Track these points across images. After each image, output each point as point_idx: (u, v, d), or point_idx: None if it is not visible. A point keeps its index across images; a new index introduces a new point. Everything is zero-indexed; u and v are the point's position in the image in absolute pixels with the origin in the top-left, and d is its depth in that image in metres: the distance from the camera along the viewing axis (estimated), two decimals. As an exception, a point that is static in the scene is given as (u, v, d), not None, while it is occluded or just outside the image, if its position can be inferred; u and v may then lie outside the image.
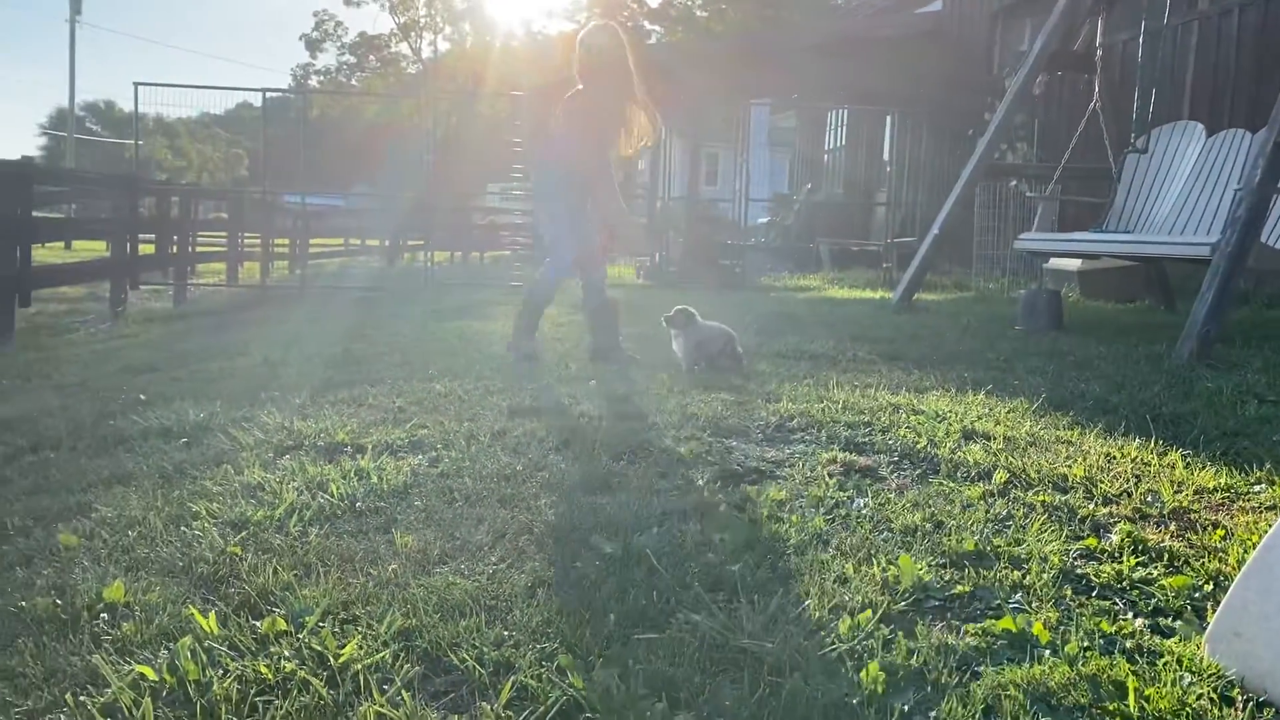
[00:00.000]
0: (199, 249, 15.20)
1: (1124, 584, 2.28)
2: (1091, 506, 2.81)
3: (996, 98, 11.58)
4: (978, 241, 11.75)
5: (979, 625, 2.05)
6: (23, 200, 9.03)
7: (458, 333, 7.46)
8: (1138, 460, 3.32)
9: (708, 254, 14.81)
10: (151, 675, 1.78)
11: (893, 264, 13.54)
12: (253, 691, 1.74)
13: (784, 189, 24.64)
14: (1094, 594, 2.23)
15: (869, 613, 2.06)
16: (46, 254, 17.75)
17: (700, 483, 3.08)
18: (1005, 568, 2.35)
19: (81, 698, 1.73)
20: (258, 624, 2.02)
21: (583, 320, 6.12)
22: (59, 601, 2.16)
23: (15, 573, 2.40)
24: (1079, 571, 2.35)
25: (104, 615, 2.10)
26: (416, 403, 4.33)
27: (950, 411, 4.04)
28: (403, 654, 1.89)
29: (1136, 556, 2.42)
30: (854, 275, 14.20)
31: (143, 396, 4.68)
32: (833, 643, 1.94)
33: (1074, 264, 9.85)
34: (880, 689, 1.77)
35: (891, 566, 2.31)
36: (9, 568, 2.43)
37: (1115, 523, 2.68)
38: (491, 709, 1.71)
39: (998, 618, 2.07)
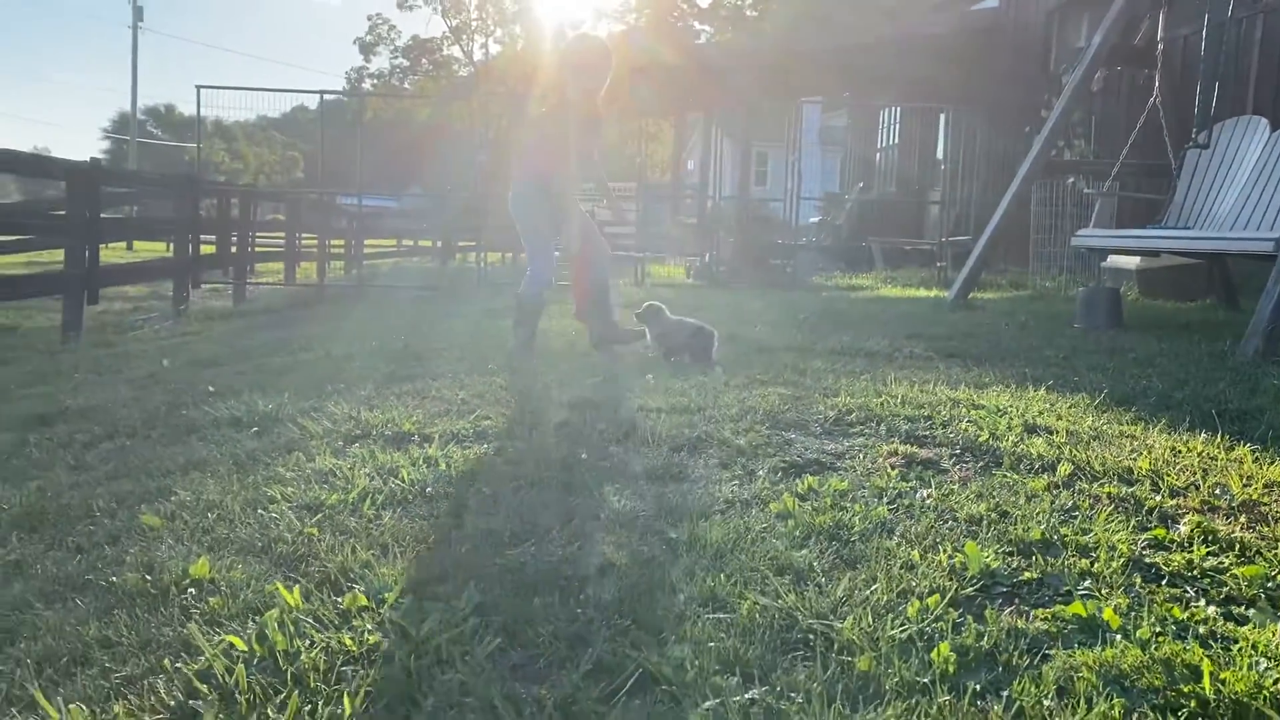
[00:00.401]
0: (258, 249, 15.49)
1: (1194, 572, 2.27)
2: (1158, 498, 2.79)
3: (1053, 94, 11.44)
4: (1034, 239, 11.61)
5: (1048, 610, 2.06)
6: (91, 202, 9.30)
7: (513, 330, 7.53)
8: (1204, 454, 3.28)
9: (758, 253, 14.80)
10: (241, 645, 1.85)
11: (947, 263, 13.43)
12: (339, 661, 1.80)
13: (835, 188, 24.53)
14: (1164, 582, 2.23)
15: (937, 597, 2.08)
16: (109, 254, 18.21)
17: (761, 473, 3.10)
18: (1073, 556, 2.35)
19: (177, 665, 1.81)
20: (339, 600, 2.08)
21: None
22: (148, 577, 2.24)
23: (104, 550, 2.49)
24: (1148, 560, 2.34)
25: (191, 590, 2.17)
26: (478, 395, 4.40)
27: (1011, 406, 4.02)
28: (481, 628, 1.94)
29: (1206, 546, 2.40)
30: (907, 274, 14.10)
31: (211, 388, 4.80)
32: (902, 625, 1.96)
33: (1132, 261, 9.70)
34: (952, 669, 1.79)
35: (958, 554, 2.32)
36: (98, 545, 2.53)
37: (1183, 514, 2.67)
38: (570, 680, 1.75)
39: (1067, 603, 2.07)
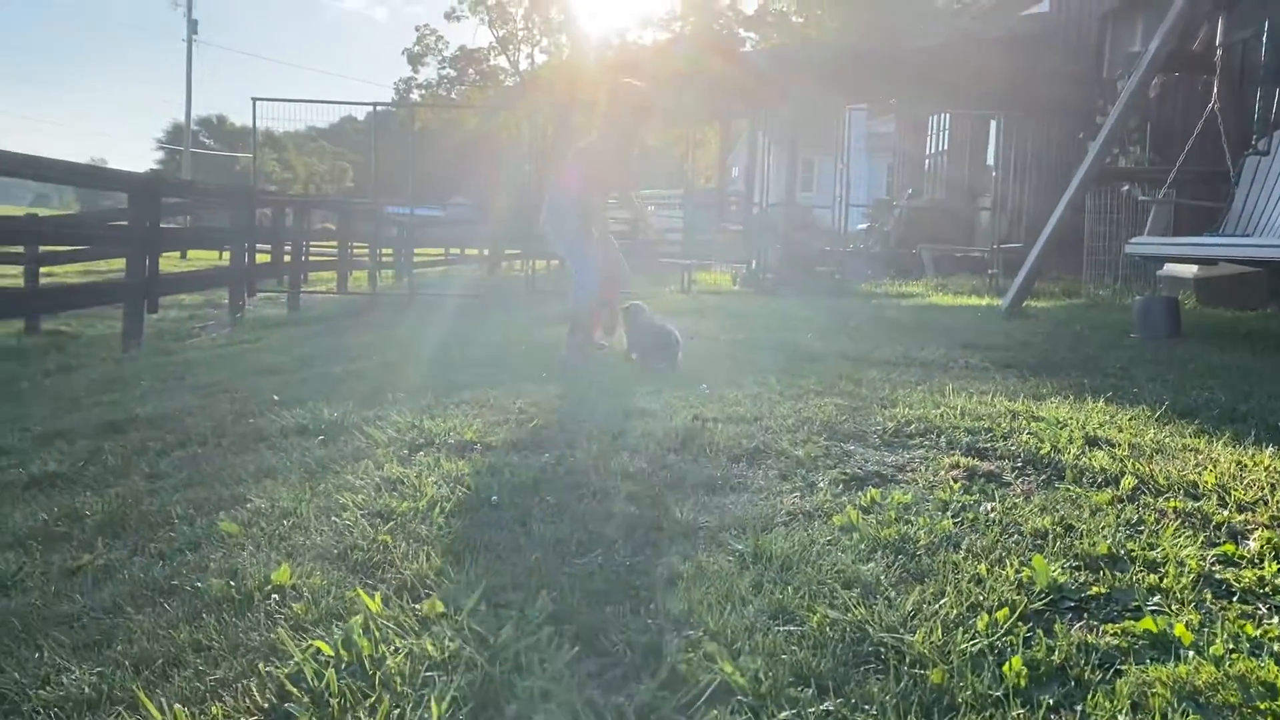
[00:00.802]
0: (311, 258, 15.74)
1: (1266, 589, 2.27)
2: (1226, 513, 2.78)
3: (1108, 99, 11.33)
4: (1088, 246, 11.50)
5: (1118, 625, 2.07)
6: (152, 212, 9.52)
7: (563, 338, 7.61)
8: (1271, 469, 3.25)
9: (805, 260, 14.79)
10: (328, 650, 1.92)
11: (999, 270, 13.31)
12: (423, 667, 1.86)
13: (882, 194, 24.40)
14: (1235, 598, 2.23)
15: (1006, 611, 2.09)
16: (165, 263, 18.61)
17: (822, 485, 3.13)
18: (1141, 571, 2.35)
19: (268, 668, 1.88)
20: (418, 606, 2.14)
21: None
22: (231, 583, 2.32)
23: (186, 556, 2.58)
24: (1217, 576, 2.34)
25: (274, 596, 2.25)
26: (535, 404, 4.47)
27: (1070, 418, 4.01)
28: (556, 636, 1.99)
29: (1278, 562, 2.39)
30: (958, 282, 14.01)
31: (275, 397, 4.91)
32: (972, 638, 1.98)
33: (1190, 270, 9.58)
34: (1024, 683, 1.81)
35: (1025, 568, 2.34)
36: (180, 552, 2.62)
37: (1252, 529, 2.65)
38: (647, 689, 1.80)
39: (1137, 619, 2.08)
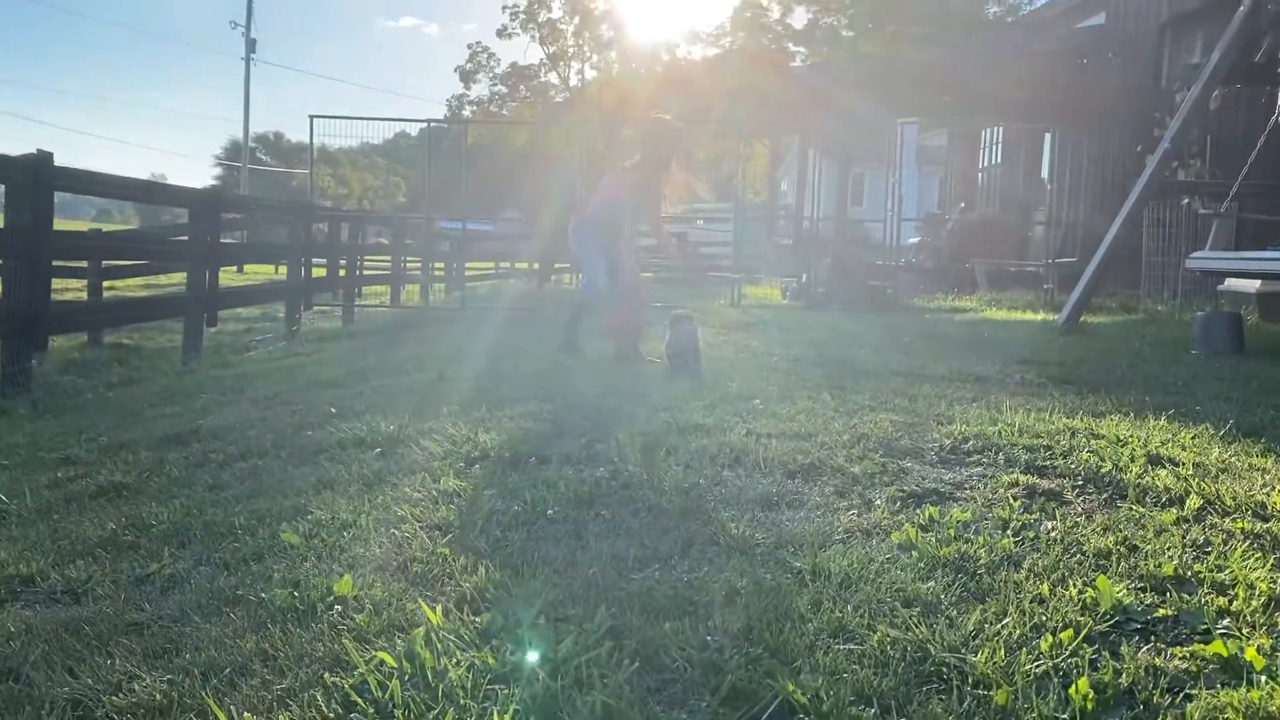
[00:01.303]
0: (365, 272, 15.95)
1: (1341, 614, 2.21)
2: (1296, 535, 2.72)
3: (1166, 112, 11.14)
4: (1146, 261, 11.30)
5: (1186, 649, 2.03)
6: (212, 227, 9.73)
7: (612, 351, 7.64)
8: (1343, 489, 3.17)
9: (856, 274, 14.70)
10: (392, 661, 1.94)
11: (1053, 285, 13.14)
12: (485, 680, 1.88)
13: (933, 208, 24.19)
14: (1308, 623, 2.17)
15: (1070, 632, 2.06)
16: (222, 277, 18.99)
17: (879, 502, 3.10)
18: (1209, 593, 2.30)
19: (333, 679, 1.91)
20: (477, 619, 2.16)
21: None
22: (295, 593, 2.36)
23: (250, 567, 2.62)
24: (1290, 599, 2.28)
25: (337, 607, 2.28)
26: (588, 418, 4.49)
27: (1131, 436, 3.94)
28: (616, 651, 2.00)
29: (1352, 586, 2.33)
30: (1012, 296, 13.84)
31: (333, 409, 4.98)
32: (1036, 659, 1.96)
33: (1253, 285, 9.38)
34: (1091, 706, 1.78)
35: (1088, 589, 2.30)
36: (244, 563, 2.66)
37: (1325, 552, 2.59)
38: (709, 705, 1.80)
39: (1206, 642, 2.04)
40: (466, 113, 55.26)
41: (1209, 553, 2.58)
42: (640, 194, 6.72)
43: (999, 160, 19.03)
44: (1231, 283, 9.58)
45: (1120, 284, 11.97)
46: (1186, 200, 10.44)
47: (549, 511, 3.01)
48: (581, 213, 6.96)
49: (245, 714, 1.80)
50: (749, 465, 3.57)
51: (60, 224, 7.28)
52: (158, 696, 1.89)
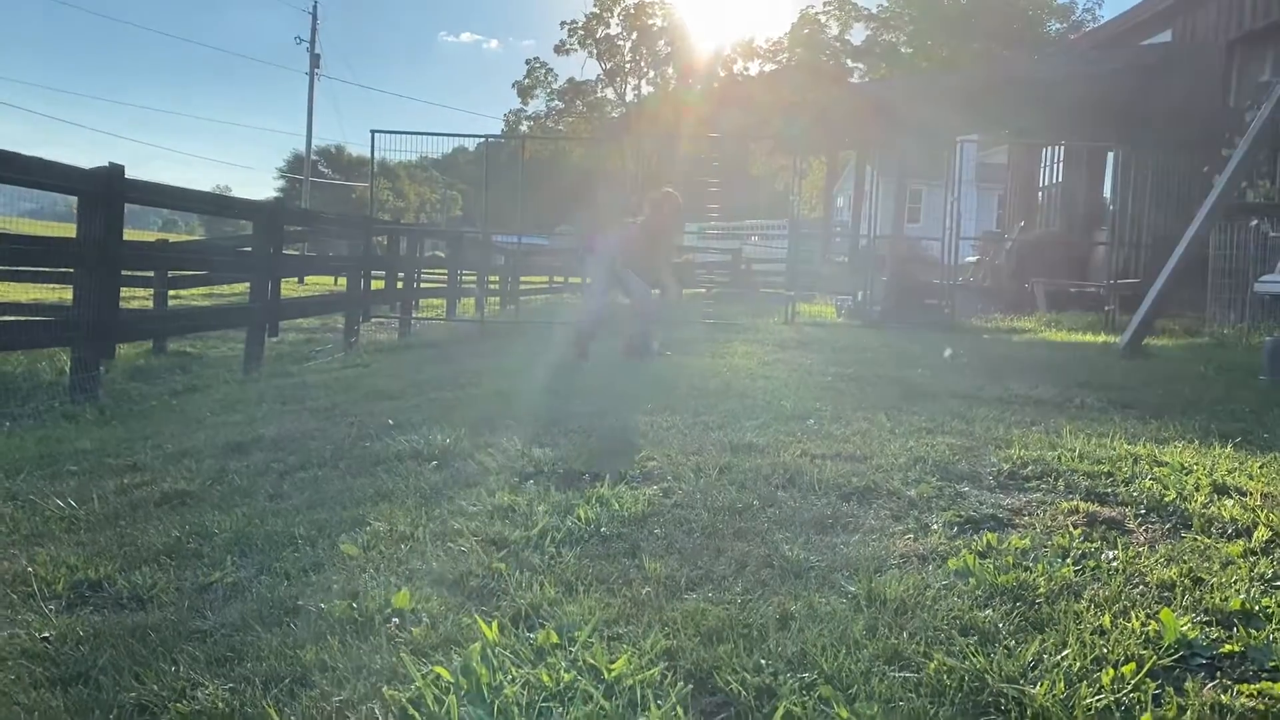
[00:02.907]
0: (422, 284, 16.14)
1: None
2: (1370, 571, 2.64)
3: (1235, 131, 10.91)
4: (1213, 284, 11.06)
5: (1254, 686, 1.98)
6: (275, 239, 9.93)
7: (665, 367, 7.66)
8: None
9: (913, 293, 14.55)
10: (447, 676, 1.96)
11: (1115, 306, 12.90)
12: (539, 697, 1.89)
13: (991, 226, 23.93)
14: (1382, 663, 2.11)
15: (1132, 665, 2.03)
16: (284, 288, 19.33)
17: (935, 527, 3.07)
18: (1278, 629, 2.25)
19: (390, 691, 1.93)
20: (532, 635, 2.18)
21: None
22: (353, 605, 2.39)
23: (310, 577, 2.67)
24: (1362, 638, 2.22)
25: (394, 620, 2.31)
26: (641, 435, 4.50)
27: (1196, 464, 3.86)
28: (670, 672, 2.00)
29: None
30: (1072, 318, 13.62)
31: (390, 421, 5.05)
32: (1098, 693, 1.93)
33: (1325, 309, 9.13)
34: (1154, 743, 1.75)
35: (1151, 621, 2.26)
36: (304, 573, 2.71)
37: (1400, 589, 2.51)
38: (762, 731, 1.79)
39: (1274, 680, 1.99)
40: (524, 128, 55.76)
41: (1278, 587, 2.52)
42: (641, 247, 8.33)
43: (1060, 179, 18.77)
44: (1302, 307, 9.34)
45: (1185, 307, 11.72)
46: (1255, 221, 10.20)
47: (602, 529, 3.03)
48: (589, 244, 8.60)
49: (305, 724, 1.84)
50: (803, 486, 3.55)
51: (128, 234, 7.47)
52: (220, 705, 1.93)
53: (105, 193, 6.90)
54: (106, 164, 7.02)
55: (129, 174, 7.16)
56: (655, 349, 8.35)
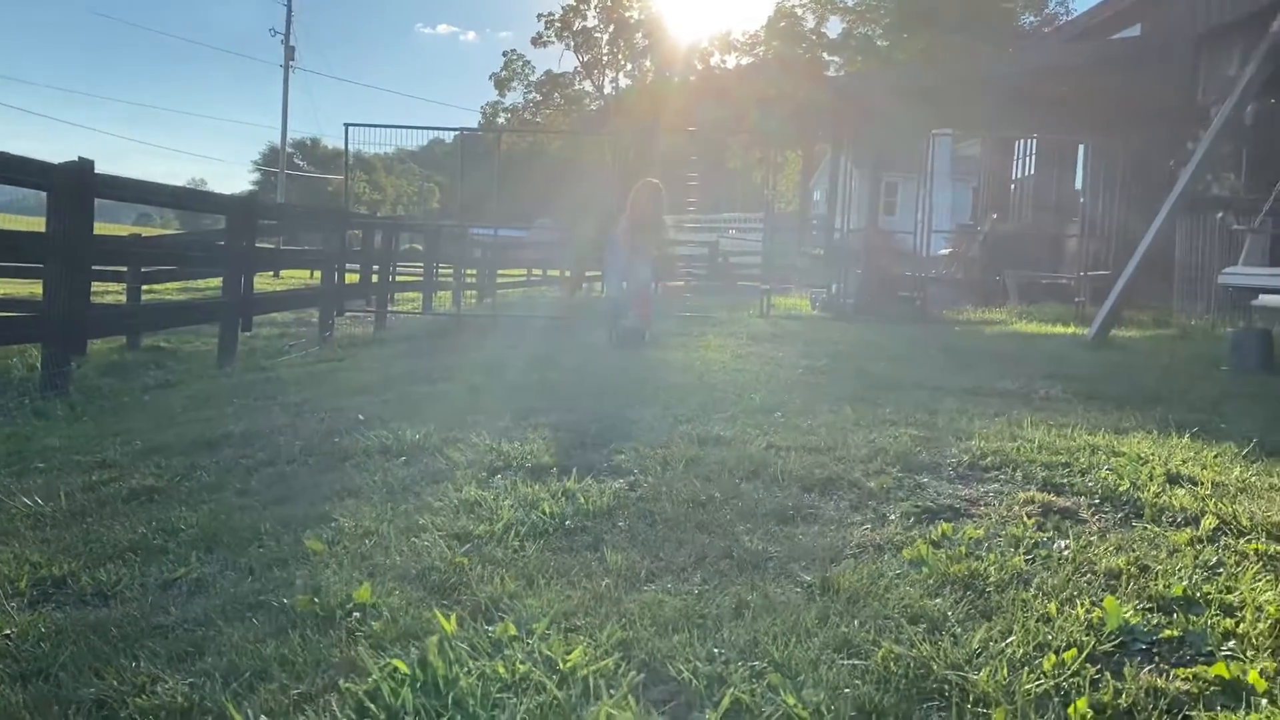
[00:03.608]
0: (397, 278, 16.09)
1: (1349, 638, 2.21)
2: (1311, 557, 2.71)
3: (1200, 126, 11.04)
4: (1179, 275, 11.19)
5: (1189, 670, 2.04)
6: (248, 233, 9.88)
7: (640, 361, 7.69)
8: (1363, 511, 3.15)
9: (886, 286, 14.66)
10: (404, 668, 2.00)
11: (1085, 298, 13.04)
12: (494, 688, 1.93)
13: (965, 219, 24.06)
14: (1315, 646, 2.17)
15: (1074, 652, 2.08)
16: (258, 282, 19.18)
17: (893, 517, 3.13)
18: (1216, 615, 2.31)
19: (348, 685, 1.96)
20: (491, 628, 2.21)
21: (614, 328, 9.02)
22: (316, 600, 2.42)
23: (274, 572, 2.69)
24: (1298, 623, 2.29)
25: (355, 614, 2.34)
26: (610, 428, 4.54)
27: (1153, 454, 3.94)
28: (623, 663, 2.04)
29: (1363, 610, 2.33)
30: (1043, 309, 13.74)
31: (361, 416, 5.06)
32: (1038, 679, 1.98)
33: (1288, 301, 9.26)
34: (1089, 726, 1.80)
35: (1096, 608, 2.32)
36: (268, 568, 2.73)
37: (1338, 575, 2.58)
38: (710, 719, 1.83)
39: (1209, 664, 2.05)
40: (501, 120, 55.64)
41: (1220, 574, 2.59)
42: (634, 237, 9.17)
43: (1032, 171, 18.92)
44: (1266, 298, 9.46)
45: (1153, 298, 11.86)
46: (1220, 215, 10.33)
47: (567, 522, 3.06)
48: (614, 231, 9.51)
49: (262, 717, 1.86)
50: (767, 479, 3.60)
51: (101, 228, 7.44)
52: (179, 699, 1.95)
53: (75, 187, 6.86)
54: (76, 159, 6.97)
55: (103, 168, 7.12)
56: (647, 339, 8.83)
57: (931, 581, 2.52)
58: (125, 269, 12.26)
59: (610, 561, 2.68)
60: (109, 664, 2.13)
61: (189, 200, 10.59)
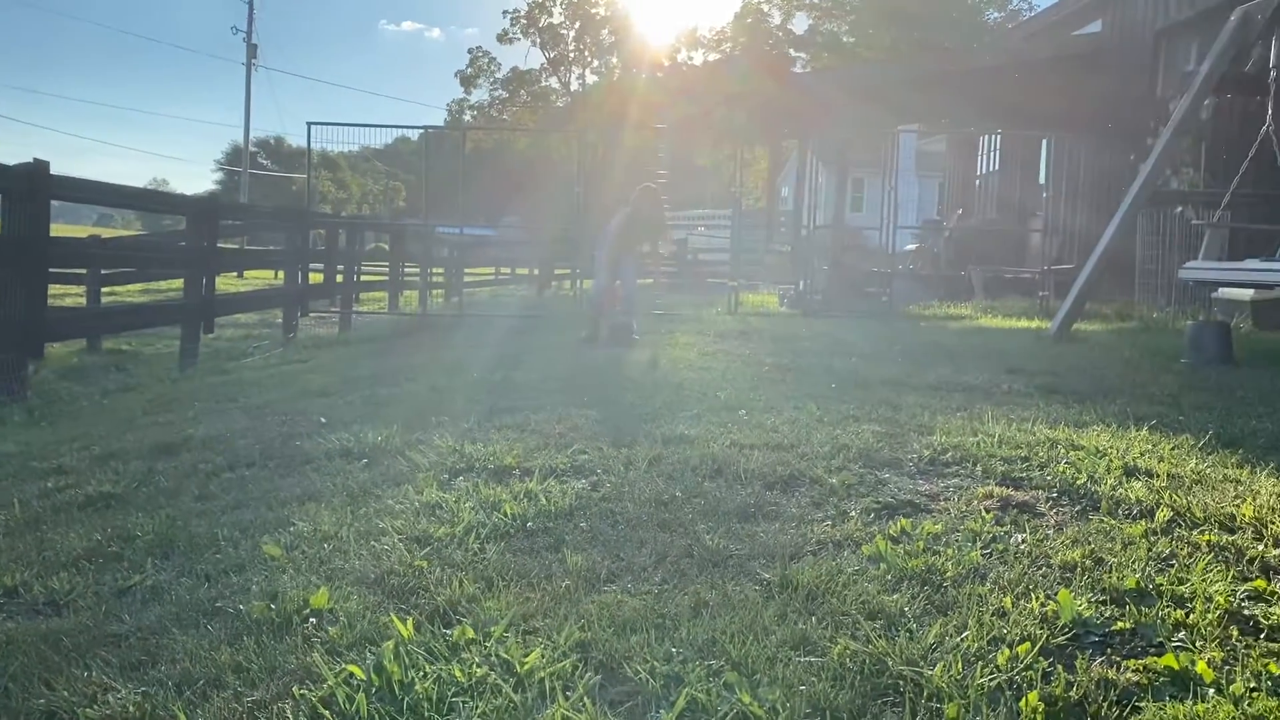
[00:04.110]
0: (362, 278, 15.99)
1: (1295, 627, 2.25)
2: (1261, 548, 2.76)
3: (1160, 121, 11.18)
4: (1140, 269, 11.34)
5: (1140, 662, 2.08)
6: (209, 234, 9.79)
7: (605, 361, 7.70)
8: (1314, 502, 3.21)
9: (854, 282, 14.74)
10: (360, 674, 1.99)
11: (1049, 292, 13.17)
12: (450, 692, 1.93)
13: (932, 215, 24.24)
14: (1262, 635, 2.22)
15: (1027, 645, 2.11)
16: (221, 283, 18.94)
17: (854, 514, 3.15)
18: (1168, 606, 2.35)
19: (302, 691, 1.95)
20: (449, 632, 2.21)
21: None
22: (272, 606, 2.41)
23: (231, 579, 2.67)
24: (1246, 613, 2.33)
25: (312, 620, 2.33)
26: (575, 429, 4.53)
27: (1111, 447, 3.99)
28: (581, 664, 2.05)
29: (1310, 600, 2.38)
30: (1008, 304, 13.88)
31: (322, 419, 5.03)
32: (991, 673, 2.01)
33: (1247, 293, 9.41)
34: (1040, 719, 1.83)
35: (1050, 602, 2.35)
36: (225, 574, 2.71)
37: (1287, 565, 2.63)
38: (665, 718, 1.84)
39: (1159, 655, 2.09)
40: (467, 117, 55.40)
41: (1173, 565, 2.63)
42: (632, 236, 9.47)
43: (997, 167, 19.09)
44: (1225, 291, 9.61)
45: (1116, 291, 12.01)
46: (1180, 209, 10.48)
47: (528, 524, 3.06)
48: (600, 235, 9.79)
49: (215, 726, 1.85)
50: (730, 477, 3.62)
51: (61, 229, 7.36)
52: (131, 708, 1.94)
53: (30, 189, 6.76)
54: (31, 160, 6.88)
55: (65, 168, 7.04)
56: (636, 334, 8.95)
57: (889, 577, 2.54)
58: (85, 271, 12.12)
59: (570, 562, 2.69)
60: (60, 674, 2.11)
61: (148, 201, 10.47)
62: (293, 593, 2.48)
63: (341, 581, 2.59)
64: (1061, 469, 3.63)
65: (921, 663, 2.05)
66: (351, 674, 1.99)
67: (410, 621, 2.23)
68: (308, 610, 2.38)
